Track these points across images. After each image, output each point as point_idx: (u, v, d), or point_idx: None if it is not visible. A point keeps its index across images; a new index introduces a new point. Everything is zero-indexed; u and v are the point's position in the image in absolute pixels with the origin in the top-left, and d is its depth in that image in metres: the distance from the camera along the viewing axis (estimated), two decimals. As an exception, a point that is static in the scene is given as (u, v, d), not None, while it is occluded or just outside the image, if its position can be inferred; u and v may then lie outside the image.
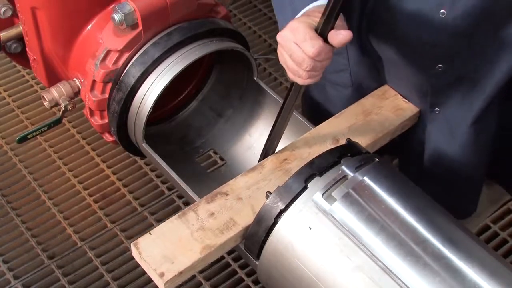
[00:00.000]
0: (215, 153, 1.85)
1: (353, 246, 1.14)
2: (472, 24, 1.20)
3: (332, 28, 1.12)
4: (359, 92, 1.49)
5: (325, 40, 1.13)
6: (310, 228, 1.18)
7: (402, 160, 1.64)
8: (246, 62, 1.70)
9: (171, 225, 1.26)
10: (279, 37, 1.16)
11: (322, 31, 1.13)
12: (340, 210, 1.16)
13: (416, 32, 1.26)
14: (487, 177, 1.55)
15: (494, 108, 1.37)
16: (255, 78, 1.72)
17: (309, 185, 1.21)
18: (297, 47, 1.13)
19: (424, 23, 1.23)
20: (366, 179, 1.19)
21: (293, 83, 1.25)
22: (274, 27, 2.78)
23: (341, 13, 1.14)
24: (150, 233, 1.25)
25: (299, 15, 1.21)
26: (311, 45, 1.11)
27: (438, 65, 1.29)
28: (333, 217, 1.16)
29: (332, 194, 1.18)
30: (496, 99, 1.34)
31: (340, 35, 1.11)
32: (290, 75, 1.19)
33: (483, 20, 1.19)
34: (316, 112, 1.57)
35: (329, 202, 1.17)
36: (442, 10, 1.19)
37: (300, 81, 1.18)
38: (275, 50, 2.67)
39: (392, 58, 1.36)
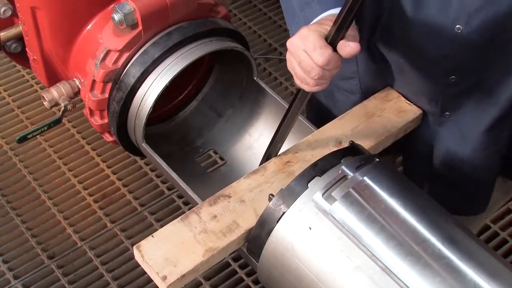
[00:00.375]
0: (215, 153, 1.85)
1: (353, 246, 1.14)
2: (488, 38, 1.20)
3: (343, 37, 1.12)
4: (367, 97, 1.48)
5: (335, 49, 1.13)
6: (310, 228, 1.18)
7: (408, 160, 1.64)
8: (246, 62, 1.70)
9: (174, 228, 1.26)
10: (289, 43, 1.16)
11: (332, 40, 1.13)
12: (340, 210, 1.16)
13: (430, 45, 1.25)
14: (499, 174, 1.54)
15: (509, 116, 1.36)
16: (255, 78, 1.72)
17: (309, 185, 1.21)
18: (306, 55, 1.13)
19: (438, 37, 1.22)
20: (366, 179, 1.19)
21: (299, 89, 1.25)
22: (274, 27, 2.79)
23: (354, 22, 1.14)
24: (152, 236, 1.24)
25: (311, 23, 1.21)
26: (320, 54, 1.11)
27: (451, 77, 1.29)
28: (333, 217, 1.16)
29: (332, 194, 1.18)
30: (511, 109, 1.33)
31: (349, 47, 1.12)
32: (297, 81, 1.19)
33: (499, 34, 1.19)
34: (322, 116, 1.57)
35: (329, 202, 1.17)
36: (457, 26, 1.19)
37: (307, 88, 1.18)
38: (275, 50, 2.70)
39: (403, 68, 1.36)
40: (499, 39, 1.21)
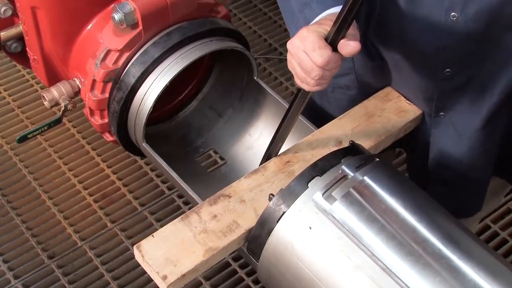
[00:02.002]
0: (215, 152, 1.85)
1: (353, 246, 1.14)
2: (483, 27, 1.19)
3: (343, 37, 1.13)
4: (364, 93, 1.49)
5: (335, 49, 1.13)
6: (310, 228, 1.18)
7: (409, 160, 1.65)
8: (246, 61, 1.70)
9: (174, 227, 1.26)
10: (289, 44, 1.17)
11: (333, 40, 1.13)
12: (340, 209, 1.16)
13: (425, 36, 1.25)
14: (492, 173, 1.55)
15: (504, 111, 1.36)
16: (255, 78, 1.72)
17: (309, 184, 1.21)
18: (306, 56, 1.14)
19: (433, 27, 1.22)
20: (366, 178, 1.19)
21: (300, 89, 1.25)
22: (274, 27, 2.79)
23: (354, 21, 1.14)
24: (152, 236, 1.25)
25: (311, 24, 1.21)
26: (320, 55, 1.12)
27: (447, 70, 1.29)
28: (333, 216, 1.16)
29: (332, 193, 1.18)
30: (506, 102, 1.33)
31: (349, 47, 1.12)
32: (297, 81, 1.19)
33: (495, 22, 1.19)
34: (317, 113, 1.57)
35: (329, 201, 1.17)
36: (452, 13, 1.19)
37: (307, 88, 1.19)
38: (275, 50, 2.70)
39: (399, 62, 1.36)
40: (495, 28, 1.20)
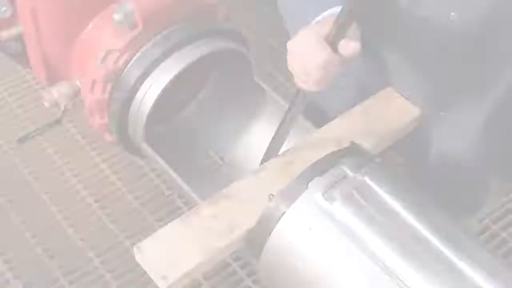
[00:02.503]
0: (215, 153, 1.85)
1: (353, 246, 1.14)
2: (483, 28, 1.20)
3: (343, 37, 1.13)
4: (363, 94, 1.49)
5: (336, 49, 1.13)
6: (310, 228, 1.18)
7: (408, 160, 1.65)
8: (246, 62, 1.70)
9: (174, 227, 1.26)
10: (289, 44, 1.18)
11: (333, 41, 1.13)
12: (340, 210, 1.16)
13: (425, 37, 1.26)
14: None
15: (504, 111, 1.36)
16: (255, 78, 1.72)
17: (309, 185, 1.21)
18: (306, 56, 1.14)
19: (433, 28, 1.23)
20: (366, 179, 1.20)
21: (299, 89, 1.25)
22: (274, 27, 2.78)
23: (354, 22, 1.14)
24: (152, 236, 1.25)
25: (311, 24, 1.22)
26: (319, 55, 1.12)
27: (447, 69, 1.29)
28: (333, 217, 1.16)
29: (332, 194, 1.18)
30: (506, 102, 1.33)
31: (350, 47, 1.12)
32: (297, 81, 1.19)
33: (494, 23, 1.19)
34: (317, 113, 1.57)
35: (329, 202, 1.17)
36: (452, 14, 1.19)
37: (307, 88, 1.19)
38: (275, 50, 2.69)
39: (398, 62, 1.36)
40: (495, 29, 1.21)
